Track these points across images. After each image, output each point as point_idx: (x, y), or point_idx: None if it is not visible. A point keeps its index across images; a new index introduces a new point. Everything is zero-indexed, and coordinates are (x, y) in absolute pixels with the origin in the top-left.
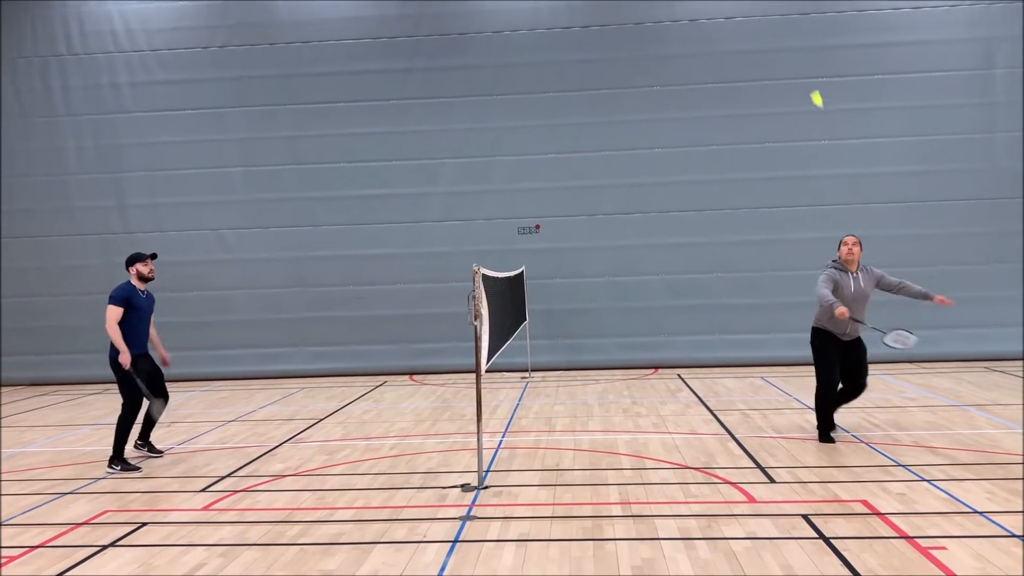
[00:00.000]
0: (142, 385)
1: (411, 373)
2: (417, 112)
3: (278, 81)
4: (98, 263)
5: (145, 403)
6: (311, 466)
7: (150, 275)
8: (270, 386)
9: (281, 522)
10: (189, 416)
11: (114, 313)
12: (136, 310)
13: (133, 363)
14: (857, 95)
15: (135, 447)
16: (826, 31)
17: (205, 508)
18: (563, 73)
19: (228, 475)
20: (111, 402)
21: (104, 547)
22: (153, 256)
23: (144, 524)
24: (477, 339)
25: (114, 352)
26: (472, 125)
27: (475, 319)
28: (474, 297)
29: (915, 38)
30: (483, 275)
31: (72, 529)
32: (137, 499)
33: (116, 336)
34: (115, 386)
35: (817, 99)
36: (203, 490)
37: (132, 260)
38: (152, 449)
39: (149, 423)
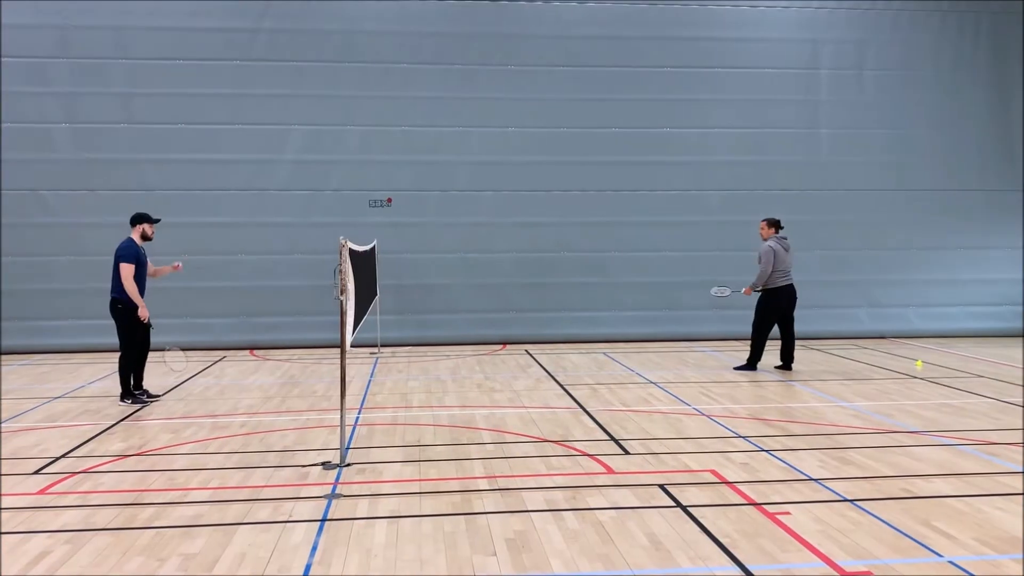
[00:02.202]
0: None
1: (252, 348)
2: (264, 75)
3: (109, 33)
4: None
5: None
6: (155, 445)
7: (152, 236)
8: (96, 360)
9: (131, 504)
10: (8, 392)
11: (128, 270)
12: (141, 266)
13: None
14: (695, 86)
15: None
16: (671, 24)
17: (41, 492)
18: (418, 45)
19: (63, 456)
20: None
21: None
22: (145, 218)
23: None
24: (343, 314)
25: (126, 302)
26: (323, 92)
27: (341, 293)
28: (341, 271)
29: (750, 35)
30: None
31: None
32: None
33: (134, 291)
34: None
35: (919, 364)
36: (36, 472)
37: (140, 219)
38: (149, 395)
39: (139, 373)
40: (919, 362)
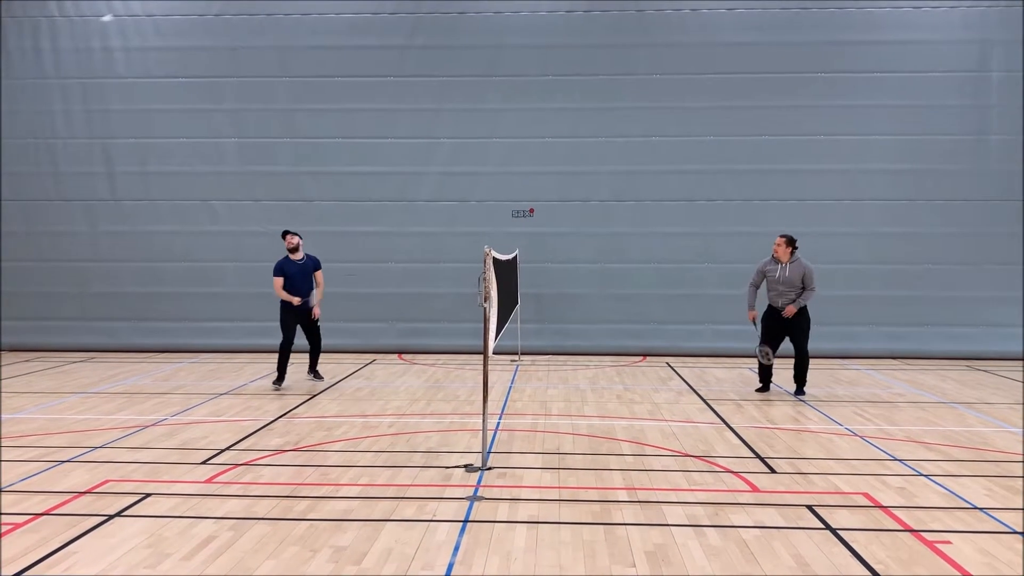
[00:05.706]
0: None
1: (400, 352)
2: (414, 90)
3: (274, 53)
4: (83, 229)
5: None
6: (310, 442)
7: (289, 246)
8: (257, 360)
9: (287, 497)
10: (180, 388)
11: (277, 283)
12: (289, 277)
13: (292, 307)
14: (852, 92)
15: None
16: (825, 27)
17: (208, 481)
18: (562, 57)
19: (227, 448)
20: (96, 370)
21: (110, 516)
22: (284, 233)
23: (148, 495)
24: (486, 321)
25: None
26: (469, 106)
27: (485, 301)
28: (485, 279)
29: (912, 37)
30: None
31: (75, 498)
32: (137, 469)
33: (281, 294)
34: (96, 355)
35: None
36: (203, 463)
37: (282, 236)
38: (318, 376)
39: (315, 357)
40: None
